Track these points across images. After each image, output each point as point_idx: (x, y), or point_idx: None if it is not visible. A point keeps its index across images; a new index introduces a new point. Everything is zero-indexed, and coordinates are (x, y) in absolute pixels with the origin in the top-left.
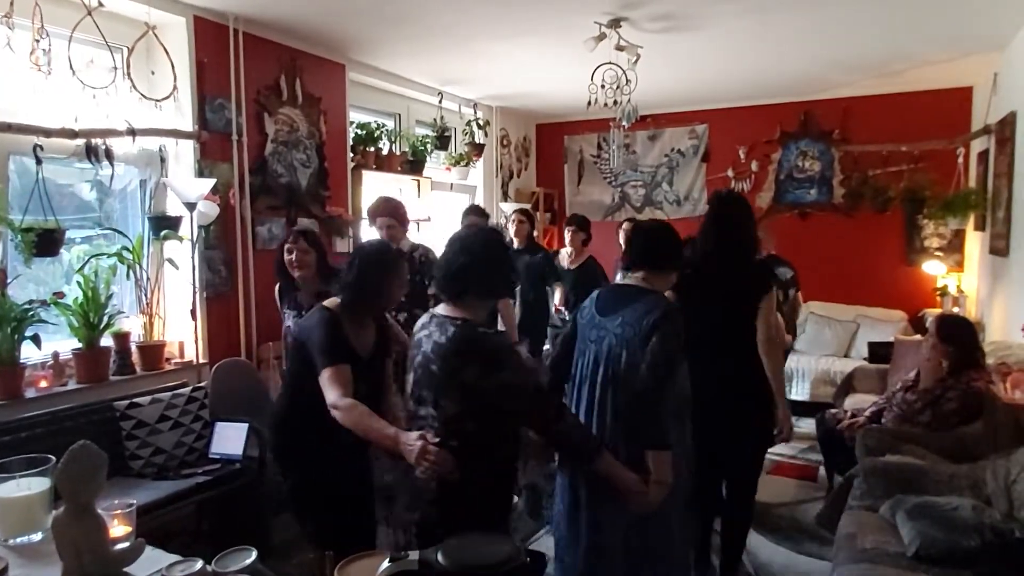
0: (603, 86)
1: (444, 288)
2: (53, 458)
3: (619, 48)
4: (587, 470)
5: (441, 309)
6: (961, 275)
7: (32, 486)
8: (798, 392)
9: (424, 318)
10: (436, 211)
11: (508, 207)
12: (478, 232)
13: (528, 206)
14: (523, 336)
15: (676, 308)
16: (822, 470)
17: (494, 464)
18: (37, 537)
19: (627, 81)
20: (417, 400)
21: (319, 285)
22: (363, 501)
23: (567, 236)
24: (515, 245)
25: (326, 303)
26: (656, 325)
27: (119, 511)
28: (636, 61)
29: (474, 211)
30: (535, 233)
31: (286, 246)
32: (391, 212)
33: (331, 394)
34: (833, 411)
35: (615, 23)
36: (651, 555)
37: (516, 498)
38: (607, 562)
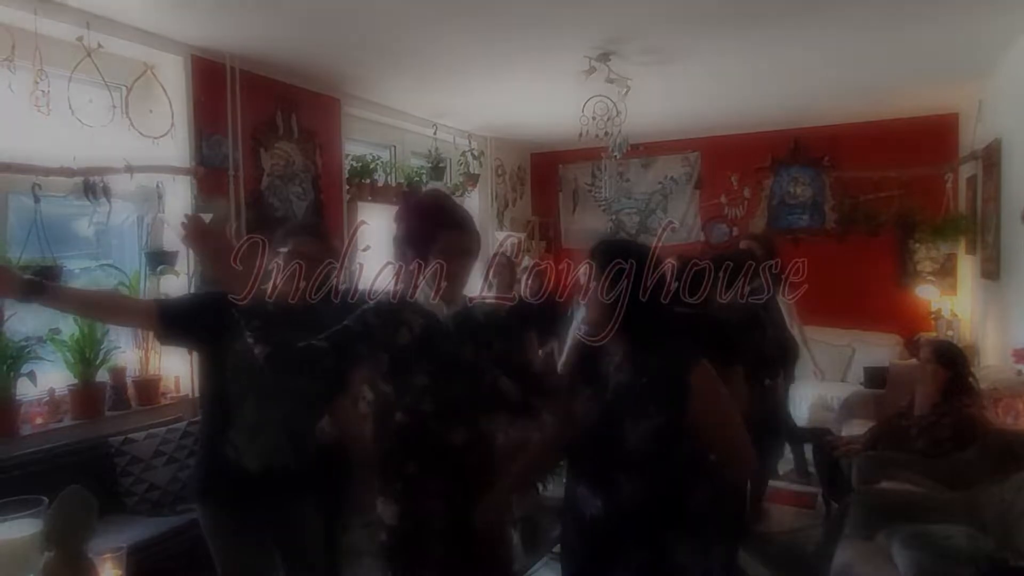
0: (594, 118)
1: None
2: (45, 499)
3: (609, 81)
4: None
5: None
6: (954, 299)
7: (23, 529)
8: (797, 418)
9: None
10: None
11: (504, 236)
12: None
13: (524, 235)
14: None
15: None
16: (820, 498)
17: None
18: None
19: (617, 113)
20: None
21: None
22: None
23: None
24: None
25: None
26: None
27: (109, 554)
28: (626, 93)
29: None
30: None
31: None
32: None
33: None
34: (830, 438)
35: (604, 57)
36: None
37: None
38: None
